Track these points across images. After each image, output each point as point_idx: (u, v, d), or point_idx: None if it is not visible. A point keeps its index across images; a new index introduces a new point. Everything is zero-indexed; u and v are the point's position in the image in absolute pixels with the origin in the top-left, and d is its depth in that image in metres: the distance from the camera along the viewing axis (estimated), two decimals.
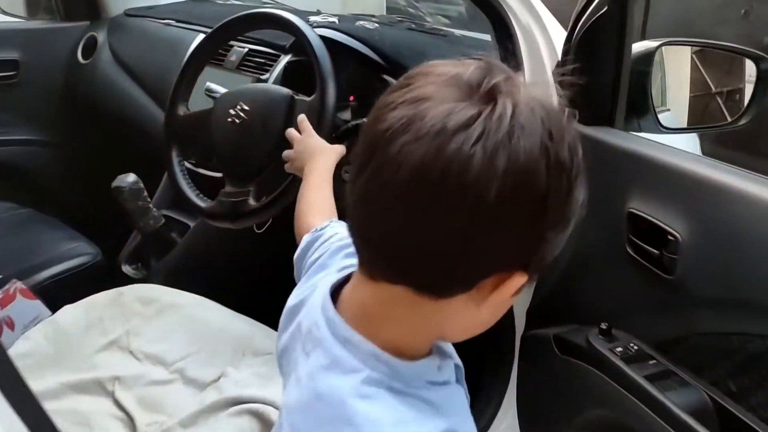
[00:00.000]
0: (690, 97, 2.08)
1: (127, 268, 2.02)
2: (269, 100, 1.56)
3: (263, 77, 1.96)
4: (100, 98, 2.45)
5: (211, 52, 1.69)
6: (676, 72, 1.88)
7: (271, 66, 1.98)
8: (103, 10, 2.54)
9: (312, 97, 1.52)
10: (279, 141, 1.51)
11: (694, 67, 2.15)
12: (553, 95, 0.69)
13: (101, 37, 2.48)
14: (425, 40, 1.98)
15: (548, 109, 0.60)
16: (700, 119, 2.36)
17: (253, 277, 1.92)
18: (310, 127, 1.39)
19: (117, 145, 2.40)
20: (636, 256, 1.24)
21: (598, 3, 1.31)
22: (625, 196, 1.26)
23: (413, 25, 2.25)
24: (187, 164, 1.69)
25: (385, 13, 4.04)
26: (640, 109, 1.46)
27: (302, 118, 1.43)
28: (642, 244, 1.21)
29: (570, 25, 1.45)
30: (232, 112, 1.57)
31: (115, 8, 2.54)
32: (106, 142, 2.50)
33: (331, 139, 1.46)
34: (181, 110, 1.68)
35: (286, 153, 1.41)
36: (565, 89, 0.71)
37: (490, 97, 0.58)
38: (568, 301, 1.43)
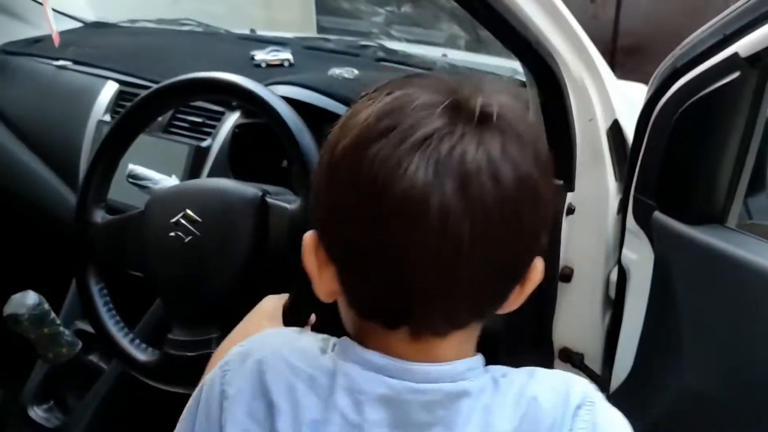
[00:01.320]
0: None
1: (35, 412, 1.49)
2: (229, 206, 1.08)
3: (203, 144, 1.47)
4: None
5: (133, 135, 1.18)
6: None
7: (213, 127, 1.49)
8: None
9: (295, 205, 1.05)
10: (248, 266, 1.05)
11: None
12: None
13: None
14: None
15: None
16: None
17: None
18: None
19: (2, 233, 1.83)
20: None
21: (720, 66, 0.89)
22: None
23: (383, 53, 1.80)
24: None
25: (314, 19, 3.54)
26: (752, 190, 1.07)
27: None
28: None
29: (653, 90, 1.03)
30: (174, 223, 1.08)
31: None
32: None
33: None
34: (98, 216, 1.17)
35: None
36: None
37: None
38: None
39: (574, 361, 1.34)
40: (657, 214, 1.04)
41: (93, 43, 1.88)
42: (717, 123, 0.93)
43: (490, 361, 0.66)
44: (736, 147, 0.94)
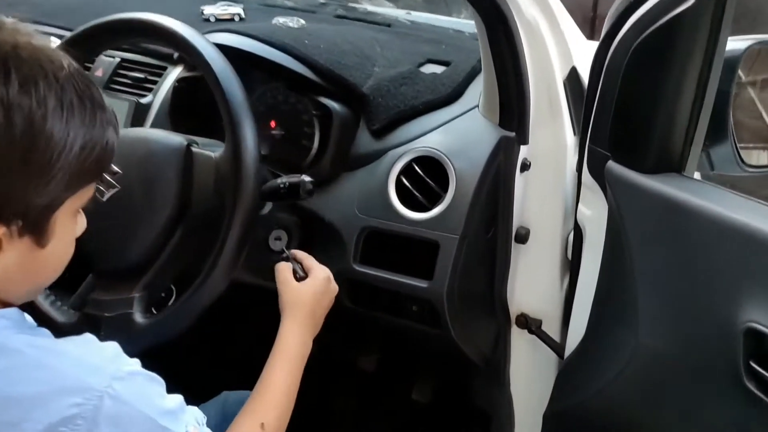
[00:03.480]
0: None
1: None
2: (152, 155, 1.01)
3: (144, 100, 1.39)
4: None
5: None
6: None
7: (155, 83, 1.40)
8: None
9: (220, 152, 0.98)
10: (172, 219, 0.98)
11: None
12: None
13: None
14: (364, 35, 1.43)
15: None
16: None
17: None
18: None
19: None
20: (759, 393, 0.78)
21: None
22: (739, 300, 0.79)
23: (342, 11, 1.71)
24: None
25: None
26: (714, 139, 0.99)
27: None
28: None
29: (607, 29, 0.96)
30: None
31: None
32: None
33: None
34: None
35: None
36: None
37: None
38: None
39: (531, 327, 1.27)
40: (611, 163, 0.97)
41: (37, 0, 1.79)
42: (672, 59, 0.86)
43: None
44: (693, 86, 0.87)
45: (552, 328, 1.28)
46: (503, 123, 1.11)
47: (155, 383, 0.70)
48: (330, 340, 1.74)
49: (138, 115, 1.38)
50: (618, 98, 0.93)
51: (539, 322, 1.28)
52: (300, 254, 1.03)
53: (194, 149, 1.01)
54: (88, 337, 0.69)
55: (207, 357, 1.64)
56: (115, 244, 1.00)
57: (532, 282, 1.26)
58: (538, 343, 1.28)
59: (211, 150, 1.00)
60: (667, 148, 0.92)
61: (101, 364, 0.65)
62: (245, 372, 0.96)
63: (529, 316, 1.29)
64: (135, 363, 0.69)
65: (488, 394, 1.40)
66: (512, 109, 1.09)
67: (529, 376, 1.34)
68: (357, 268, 1.15)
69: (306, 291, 0.97)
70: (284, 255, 1.03)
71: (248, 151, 0.94)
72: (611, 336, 1.02)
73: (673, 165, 0.93)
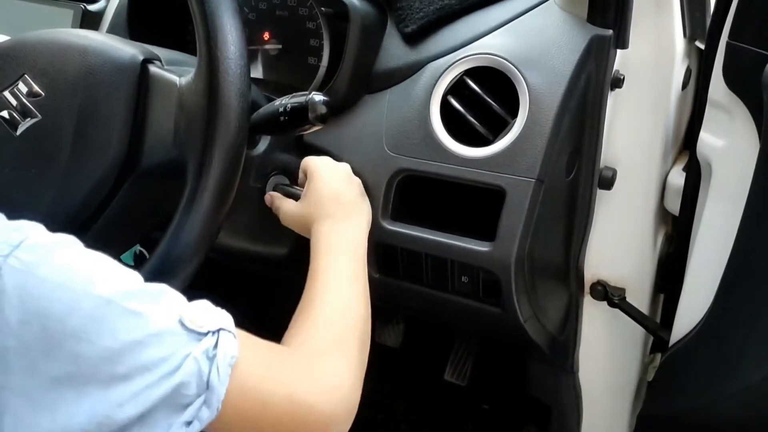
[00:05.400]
0: None
1: None
2: (91, 74, 0.70)
3: (93, 7, 1.06)
4: None
5: None
6: None
7: None
8: None
9: (188, 77, 0.66)
10: (116, 165, 0.69)
11: None
12: None
13: None
14: None
15: None
16: None
17: None
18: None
19: None
20: None
21: None
22: None
23: None
24: None
25: None
26: None
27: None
28: None
29: None
30: (10, 98, 0.69)
31: None
32: None
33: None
34: None
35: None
36: None
37: None
38: None
39: (612, 298, 0.97)
40: None
41: None
42: None
43: None
44: None
45: (639, 300, 0.98)
46: (594, 17, 0.78)
47: (106, 260, 0.51)
48: None
49: (86, 27, 1.05)
50: None
51: (622, 292, 0.98)
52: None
53: (152, 69, 0.68)
54: None
55: None
56: (33, 197, 0.69)
57: (614, 239, 0.95)
58: (619, 319, 0.98)
59: (177, 72, 0.68)
60: None
61: None
62: None
63: (608, 285, 0.98)
64: (67, 236, 0.51)
65: (549, 382, 1.10)
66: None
67: (605, 361, 1.04)
68: (387, 226, 0.83)
69: (305, 208, 0.76)
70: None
71: (230, 66, 0.63)
72: (758, 318, 0.71)
73: None
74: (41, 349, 0.45)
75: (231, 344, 0.50)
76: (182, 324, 0.49)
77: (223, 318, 0.51)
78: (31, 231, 0.50)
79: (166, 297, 0.51)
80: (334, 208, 0.74)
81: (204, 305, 0.52)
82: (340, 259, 0.70)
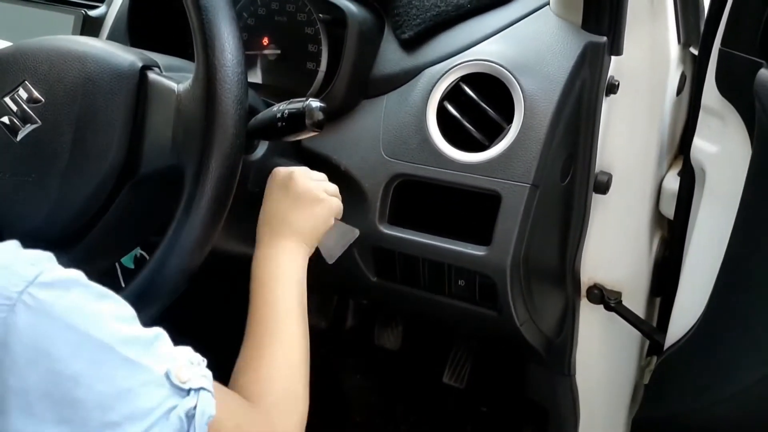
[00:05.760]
0: None
1: None
2: (90, 81, 0.71)
3: (94, 12, 1.07)
4: None
5: None
6: None
7: None
8: None
9: (185, 83, 0.67)
10: (114, 171, 0.70)
11: None
12: None
13: None
14: None
15: None
16: None
17: None
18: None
19: None
20: None
21: None
22: None
23: None
24: None
25: None
26: None
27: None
28: None
29: None
30: (11, 104, 0.70)
31: None
32: None
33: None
34: None
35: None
36: None
37: None
38: None
39: (608, 302, 0.97)
40: (764, 72, 0.65)
41: None
42: None
43: None
44: None
45: (635, 304, 0.99)
46: (588, 24, 0.79)
47: (110, 300, 0.53)
48: (342, 312, 1.43)
49: (87, 33, 1.06)
50: None
51: (618, 296, 0.98)
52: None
53: (151, 75, 0.69)
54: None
55: None
56: (32, 203, 0.70)
57: (610, 243, 0.96)
58: (615, 322, 0.99)
59: (176, 79, 0.69)
60: None
61: (12, 264, 0.50)
62: None
63: (605, 288, 0.99)
64: (76, 273, 0.52)
65: (546, 385, 1.11)
66: (602, 3, 0.77)
67: (601, 364, 1.05)
68: (384, 230, 0.84)
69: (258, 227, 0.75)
70: None
71: (227, 73, 0.64)
72: (751, 321, 0.72)
73: None
74: (41, 391, 0.47)
75: (209, 404, 0.52)
76: (168, 378, 0.51)
77: (204, 377, 0.53)
78: (46, 264, 0.51)
79: (159, 344, 0.53)
80: (279, 228, 0.74)
81: (189, 357, 0.54)
82: (287, 289, 0.69)
